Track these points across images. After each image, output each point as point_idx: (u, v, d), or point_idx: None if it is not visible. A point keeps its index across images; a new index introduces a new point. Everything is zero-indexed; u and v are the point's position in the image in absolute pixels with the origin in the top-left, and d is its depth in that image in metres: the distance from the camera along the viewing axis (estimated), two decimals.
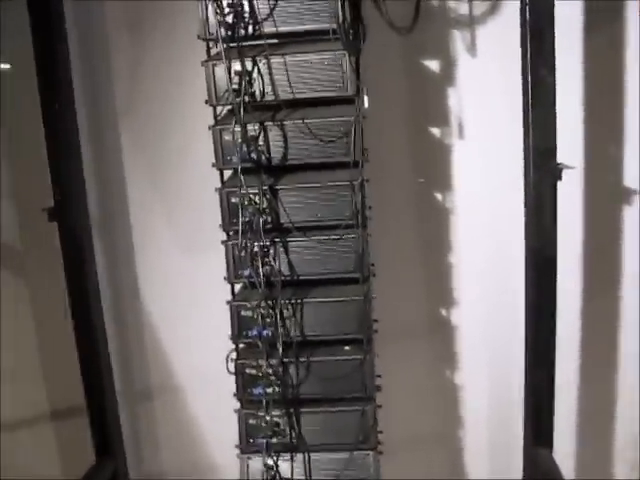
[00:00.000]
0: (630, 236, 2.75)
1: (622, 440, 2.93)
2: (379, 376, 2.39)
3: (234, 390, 2.27)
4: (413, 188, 2.73)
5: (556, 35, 2.26)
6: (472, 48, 2.64)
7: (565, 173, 2.27)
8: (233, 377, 2.26)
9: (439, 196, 2.73)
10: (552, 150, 2.26)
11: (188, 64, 2.33)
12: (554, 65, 2.23)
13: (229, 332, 2.25)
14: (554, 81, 2.23)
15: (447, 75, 2.66)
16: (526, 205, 2.34)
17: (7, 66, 2.77)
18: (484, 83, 2.65)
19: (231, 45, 2.10)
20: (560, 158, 2.29)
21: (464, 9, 2.61)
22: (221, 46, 2.05)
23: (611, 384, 2.87)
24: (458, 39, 2.64)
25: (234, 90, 2.09)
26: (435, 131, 2.70)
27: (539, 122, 2.26)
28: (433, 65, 2.66)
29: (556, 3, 2.24)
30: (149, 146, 2.75)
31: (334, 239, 2.17)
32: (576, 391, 2.87)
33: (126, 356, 2.96)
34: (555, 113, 2.25)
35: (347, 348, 2.24)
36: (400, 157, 2.70)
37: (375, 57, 2.46)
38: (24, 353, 2.91)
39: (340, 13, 2.03)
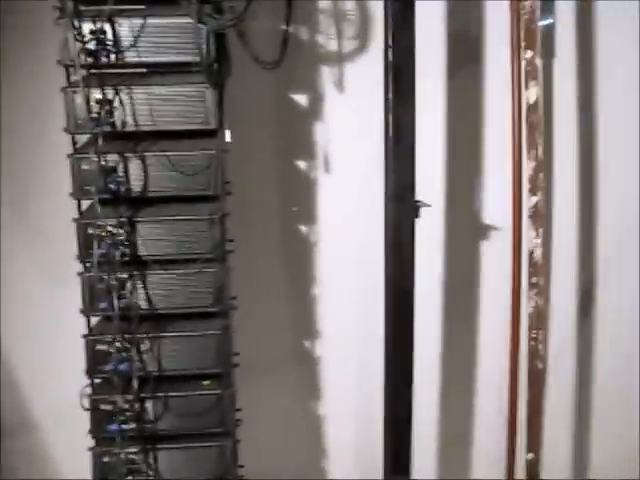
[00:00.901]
0: (488, 270, 2.87)
1: (483, 464, 3.03)
2: (239, 410, 2.38)
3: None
4: (279, 221, 2.75)
5: (420, 74, 2.36)
6: (340, 84, 2.69)
7: (426, 210, 2.36)
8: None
9: (304, 229, 2.76)
10: (410, 187, 2.31)
11: (49, 90, 2.25)
12: (414, 105, 2.30)
13: None
14: (413, 121, 2.30)
15: (315, 110, 2.70)
16: (385, 240, 2.39)
17: None
18: (351, 118, 2.70)
19: (92, 72, 2.07)
20: (422, 195, 2.37)
21: (333, 45, 2.66)
22: (79, 73, 2.01)
23: (470, 409, 2.97)
24: (327, 74, 2.68)
25: (93, 119, 2.05)
26: (302, 164, 2.73)
27: (399, 160, 2.31)
28: (301, 99, 2.70)
29: (418, 44, 2.33)
30: (8, 174, 2.65)
31: (193, 273, 2.15)
32: (436, 416, 2.95)
33: None
34: (414, 151, 2.31)
35: (205, 383, 2.22)
36: (266, 190, 2.71)
37: (244, 90, 2.47)
38: None
39: (204, 47, 2.04)
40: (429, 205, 2.35)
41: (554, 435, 3.02)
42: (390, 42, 2.29)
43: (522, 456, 2.81)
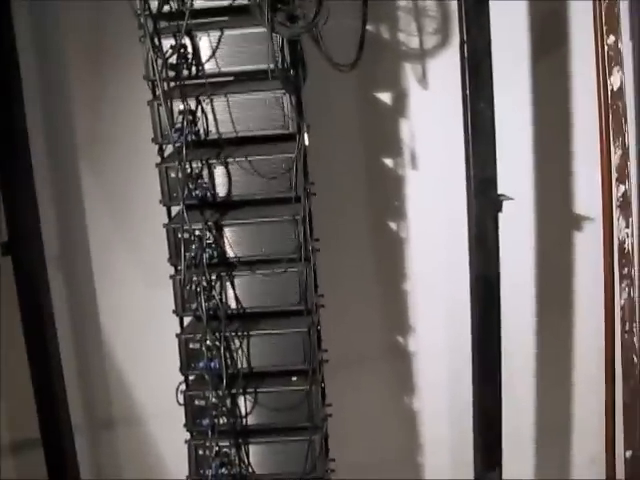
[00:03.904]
0: (581, 261, 2.81)
1: (579, 458, 2.97)
2: (329, 405, 2.43)
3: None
4: (367, 217, 2.79)
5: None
6: (423, 80, 2.70)
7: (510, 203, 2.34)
8: None
9: (393, 225, 2.78)
10: (492, 181, 2.31)
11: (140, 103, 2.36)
12: (492, 99, 2.29)
13: None
14: (492, 113, 2.29)
15: (399, 107, 2.72)
16: (469, 235, 2.39)
17: None
18: (436, 114, 2.71)
19: (175, 85, 2.17)
20: (511, 187, 2.35)
21: (415, 42, 2.67)
22: (161, 87, 2.11)
23: (566, 405, 2.92)
24: (409, 72, 2.70)
25: (177, 129, 2.15)
26: (388, 162, 2.75)
27: (479, 154, 2.31)
28: (385, 97, 2.72)
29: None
30: (107, 182, 2.81)
31: (278, 273, 2.21)
32: (532, 411, 2.92)
33: (87, 387, 2.99)
34: (494, 145, 2.30)
35: (294, 379, 2.28)
36: (353, 188, 2.75)
37: (325, 92, 2.52)
38: None
39: (278, 54, 2.10)
40: (512, 199, 2.33)
41: None
42: (465, 38, 2.30)
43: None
